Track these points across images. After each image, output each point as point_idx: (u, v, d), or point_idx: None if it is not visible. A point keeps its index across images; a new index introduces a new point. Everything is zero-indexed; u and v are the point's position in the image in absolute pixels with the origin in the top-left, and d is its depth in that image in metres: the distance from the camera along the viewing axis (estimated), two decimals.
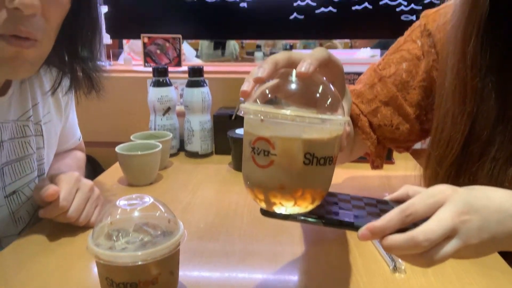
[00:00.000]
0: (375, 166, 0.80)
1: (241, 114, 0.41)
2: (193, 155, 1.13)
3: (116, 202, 0.52)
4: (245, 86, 0.42)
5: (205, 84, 1.12)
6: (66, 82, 0.75)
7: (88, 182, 0.72)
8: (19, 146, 0.75)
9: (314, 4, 1.65)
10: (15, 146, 0.74)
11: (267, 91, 0.43)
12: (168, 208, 0.54)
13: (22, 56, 0.59)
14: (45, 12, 0.59)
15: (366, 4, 1.61)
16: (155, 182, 0.95)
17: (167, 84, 1.12)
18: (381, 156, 0.80)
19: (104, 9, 1.59)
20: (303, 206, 0.43)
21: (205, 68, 1.16)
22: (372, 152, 0.77)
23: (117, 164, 0.98)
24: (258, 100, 0.43)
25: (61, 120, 0.87)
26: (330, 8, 1.64)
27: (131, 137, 1.02)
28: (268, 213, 0.44)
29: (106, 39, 1.60)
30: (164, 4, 1.70)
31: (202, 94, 1.10)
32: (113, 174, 0.99)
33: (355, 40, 2.38)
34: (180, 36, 1.50)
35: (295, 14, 1.66)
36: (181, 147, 1.17)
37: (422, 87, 0.73)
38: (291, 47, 3.22)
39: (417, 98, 0.73)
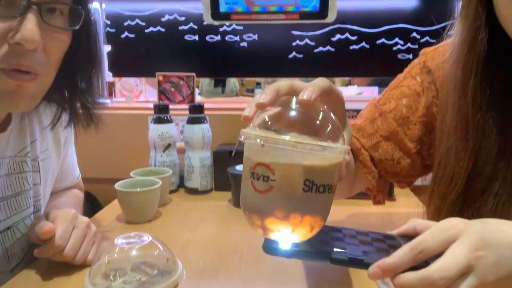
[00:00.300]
0: (377, 202, 0.79)
1: (241, 139, 0.41)
2: (193, 191, 1.13)
3: (114, 241, 0.52)
4: (247, 112, 0.43)
5: (205, 121, 1.13)
6: (65, 117, 0.76)
7: (84, 219, 0.71)
8: (15, 181, 0.74)
9: (312, 43, 1.69)
10: (11, 181, 0.73)
11: (268, 118, 0.44)
12: (167, 247, 0.54)
13: (23, 90, 0.61)
14: (46, 47, 0.61)
15: (363, 43, 1.66)
16: (154, 220, 0.93)
17: (168, 121, 1.13)
18: (382, 191, 0.79)
19: (107, 48, 1.63)
20: (302, 234, 0.42)
21: (206, 105, 1.17)
22: (374, 187, 0.77)
23: (115, 201, 0.97)
24: (258, 127, 0.43)
25: (59, 157, 0.87)
26: (329, 47, 1.68)
27: (131, 174, 1.02)
28: (270, 250, 0.43)
29: (108, 77, 1.63)
30: (165, 43, 1.75)
31: (202, 130, 1.11)
32: (111, 211, 0.98)
33: (352, 78, 2.43)
34: (194, 74, 1.53)
35: (294, 53, 1.70)
36: (181, 184, 1.16)
37: (422, 123, 0.73)
38: None
39: (418, 134, 0.74)
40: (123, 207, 0.92)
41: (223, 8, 1.41)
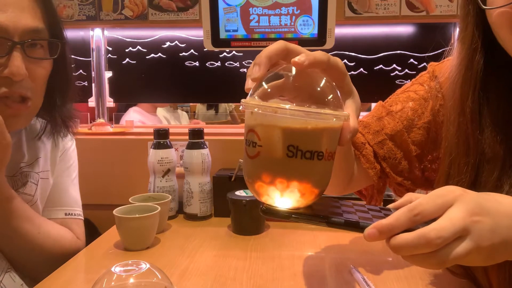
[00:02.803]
0: (373, 202, 0.79)
1: (241, 109, 0.43)
2: (192, 217, 1.11)
3: (112, 268, 0.51)
4: (248, 85, 0.44)
5: (205, 146, 1.13)
6: (48, 129, 0.87)
7: None
8: None
9: None
10: None
11: (268, 88, 0.44)
12: (165, 275, 0.53)
13: (19, 113, 0.75)
14: (31, 75, 0.74)
15: (361, 69, 1.68)
16: (152, 246, 0.92)
17: (167, 146, 1.13)
18: (381, 191, 0.79)
19: (108, 74, 1.65)
20: (293, 200, 0.42)
21: (205, 130, 1.17)
22: (374, 183, 0.77)
23: (114, 228, 0.96)
24: (260, 96, 0.44)
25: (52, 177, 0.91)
26: None
27: (130, 200, 1.01)
28: (268, 212, 0.43)
29: (109, 102, 1.65)
30: (166, 70, 1.77)
31: (202, 155, 1.10)
32: (109, 238, 0.97)
33: None
34: None
35: None
36: (180, 209, 1.15)
37: (426, 129, 0.75)
38: None
39: (420, 138, 0.75)
40: (121, 233, 0.91)
41: (223, 35, 1.44)
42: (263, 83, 0.44)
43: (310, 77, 0.45)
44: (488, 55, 0.61)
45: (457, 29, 0.67)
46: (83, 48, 1.72)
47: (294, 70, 0.44)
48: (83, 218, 0.98)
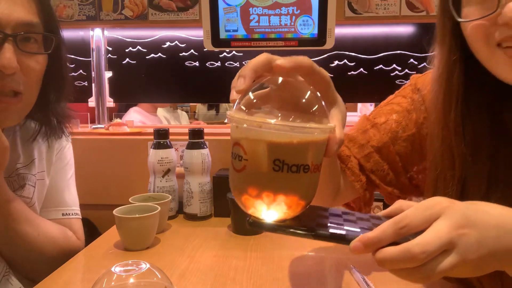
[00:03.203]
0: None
1: (226, 122, 0.43)
2: (192, 217, 1.11)
3: (112, 268, 0.51)
4: (233, 96, 0.43)
5: (205, 146, 1.13)
6: (43, 130, 0.85)
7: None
8: None
9: None
10: None
11: (255, 99, 0.44)
12: (165, 275, 0.53)
13: (10, 108, 0.72)
14: (24, 69, 0.72)
15: (361, 69, 1.68)
16: (152, 247, 0.92)
17: (167, 146, 1.13)
18: (368, 203, 0.79)
19: (108, 74, 1.65)
20: (279, 213, 0.42)
21: (205, 130, 1.17)
22: (361, 196, 0.77)
23: (114, 228, 0.96)
24: (246, 107, 0.43)
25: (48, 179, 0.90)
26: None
27: (130, 200, 1.01)
28: (254, 224, 0.43)
29: (109, 102, 1.65)
30: (166, 70, 1.77)
31: (202, 155, 1.10)
32: (109, 238, 0.97)
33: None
34: None
35: None
36: (180, 209, 1.15)
37: (410, 141, 0.75)
38: None
39: (405, 151, 0.75)
40: (121, 233, 0.91)
41: (223, 35, 1.44)
42: (249, 94, 0.44)
43: (295, 88, 0.45)
44: (468, 66, 0.61)
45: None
46: (83, 48, 1.72)
47: (279, 81, 0.44)
48: (81, 217, 0.97)
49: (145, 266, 0.52)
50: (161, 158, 1.11)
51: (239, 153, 0.41)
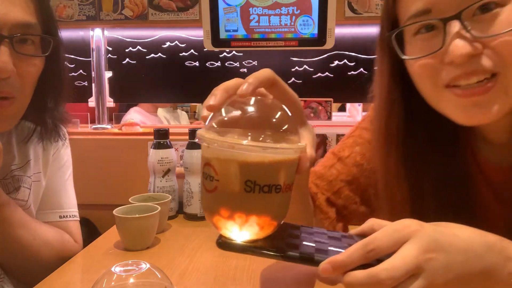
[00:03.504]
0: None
1: (197, 141, 0.43)
2: (192, 217, 1.11)
3: (112, 268, 0.51)
4: (204, 113, 0.43)
5: None
6: (37, 133, 0.82)
7: None
8: None
9: (311, 69, 1.72)
10: None
11: (225, 118, 0.44)
12: (165, 275, 0.53)
13: (3, 113, 0.69)
14: (20, 73, 0.68)
15: (361, 69, 1.68)
16: (152, 246, 0.92)
17: (167, 146, 1.13)
18: (345, 231, 0.77)
19: (108, 74, 1.65)
20: (252, 233, 0.42)
21: None
22: (335, 228, 0.74)
23: (114, 228, 0.96)
24: (218, 125, 0.43)
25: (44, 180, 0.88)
26: (327, 73, 1.71)
27: (130, 200, 1.01)
28: (224, 245, 0.43)
29: (109, 102, 1.65)
30: (166, 70, 1.77)
31: None
32: (109, 238, 0.97)
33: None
34: (331, 99, 1.54)
35: (293, 78, 1.72)
36: (180, 209, 1.15)
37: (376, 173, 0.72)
38: None
39: (373, 182, 0.72)
40: (121, 233, 0.91)
41: (223, 35, 1.44)
42: (221, 112, 0.44)
43: (267, 106, 0.45)
44: (408, 104, 0.60)
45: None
46: (83, 48, 1.72)
47: (252, 100, 0.44)
48: (79, 218, 0.95)
49: (145, 266, 0.52)
50: (161, 158, 1.11)
51: (210, 173, 0.41)
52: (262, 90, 0.47)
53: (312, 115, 1.55)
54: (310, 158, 0.45)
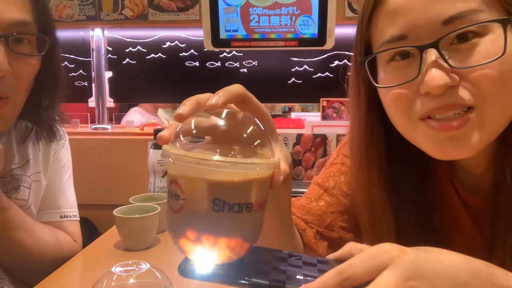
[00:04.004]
0: None
1: (162, 156, 0.41)
2: None
3: (112, 269, 0.51)
4: (164, 132, 0.41)
5: None
6: (33, 132, 0.81)
7: None
8: None
9: (311, 69, 1.72)
10: None
11: (193, 131, 0.41)
12: (165, 275, 0.53)
13: None
14: (16, 72, 0.67)
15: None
16: (152, 247, 0.92)
17: None
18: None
19: (108, 74, 1.65)
20: (222, 257, 0.38)
21: None
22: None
23: (114, 228, 0.96)
24: (184, 139, 0.40)
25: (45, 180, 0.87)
26: (327, 73, 1.71)
27: (130, 200, 1.01)
28: (185, 273, 0.39)
29: (109, 102, 1.65)
30: (166, 70, 1.77)
31: None
32: (109, 238, 0.97)
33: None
34: None
35: (293, 78, 1.72)
36: None
37: None
38: (290, 109, 3.31)
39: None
40: (121, 233, 0.91)
41: (223, 35, 1.44)
42: (190, 124, 0.41)
43: (238, 120, 0.42)
44: (387, 132, 0.57)
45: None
46: (83, 48, 1.72)
47: (223, 113, 0.41)
48: (79, 218, 0.95)
49: (145, 266, 0.52)
50: (161, 158, 1.11)
51: (176, 191, 0.37)
52: (232, 106, 0.44)
53: (334, 115, 1.54)
54: (284, 173, 0.43)
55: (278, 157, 0.42)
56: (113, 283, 0.50)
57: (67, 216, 0.91)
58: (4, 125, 0.72)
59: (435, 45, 0.47)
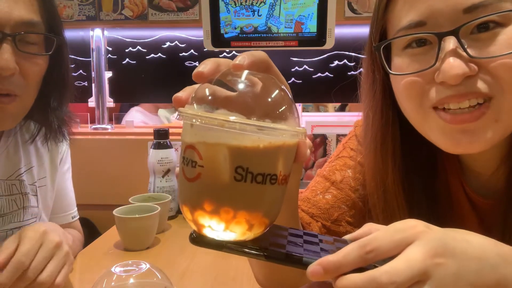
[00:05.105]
0: None
1: (177, 119, 0.36)
2: None
3: (112, 269, 0.51)
4: (181, 92, 0.38)
5: None
6: (42, 133, 0.81)
7: (54, 238, 0.66)
8: (5, 203, 0.77)
9: (311, 69, 1.72)
10: (1, 202, 0.76)
11: (210, 95, 0.37)
12: (165, 275, 0.53)
13: (4, 111, 0.68)
14: (23, 71, 0.68)
15: (361, 69, 1.68)
16: (152, 247, 0.92)
17: (167, 146, 1.13)
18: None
19: (108, 74, 1.65)
20: (239, 233, 0.35)
21: None
22: None
23: (114, 228, 0.96)
24: (200, 103, 0.36)
25: (53, 186, 0.89)
26: (327, 73, 1.71)
27: (130, 200, 1.01)
28: (197, 240, 0.36)
29: (109, 102, 1.65)
30: (166, 70, 1.77)
31: None
32: (109, 238, 0.97)
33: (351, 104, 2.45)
34: None
35: (293, 79, 1.72)
36: (180, 210, 1.15)
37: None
38: None
39: (371, 206, 0.67)
40: (121, 233, 0.91)
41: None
42: (208, 87, 0.37)
43: (262, 85, 0.38)
44: (402, 119, 0.56)
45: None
46: (83, 48, 1.72)
47: (245, 75, 0.37)
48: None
49: (145, 266, 0.52)
50: (161, 158, 1.11)
51: (193, 158, 0.34)
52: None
53: None
54: (309, 146, 0.41)
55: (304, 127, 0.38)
56: (113, 283, 0.50)
57: (75, 216, 0.95)
58: (11, 122, 0.72)
59: (455, 33, 0.46)
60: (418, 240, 0.35)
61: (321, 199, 0.67)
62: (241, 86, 0.37)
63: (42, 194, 0.84)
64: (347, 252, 0.34)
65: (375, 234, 0.35)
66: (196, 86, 0.38)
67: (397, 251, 0.34)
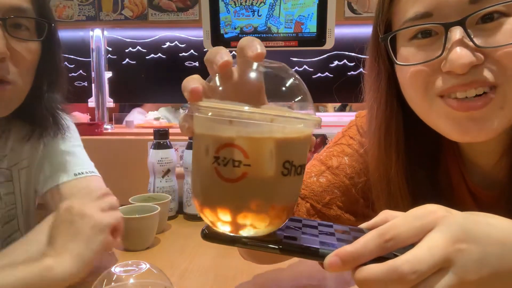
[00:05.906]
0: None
1: (198, 114, 0.33)
2: (192, 217, 1.11)
3: (112, 269, 0.51)
4: (194, 83, 0.34)
5: None
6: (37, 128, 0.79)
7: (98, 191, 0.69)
8: None
9: (311, 69, 1.72)
10: None
11: (221, 87, 0.35)
12: (165, 275, 0.53)
13: None
14: (15, 57, 0.67)
15: (361, 69, 1.68)
16: (152, 247, 0.92)
17: (167, 146, 1.13)
18: None
19: (108, 74, 1.65)
20: (275, 227, 0.35)
21: None
22: None
23: None
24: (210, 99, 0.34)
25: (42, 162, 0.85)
26: (327, 73, 1.71)
27: (130, 200, 1.01)
28: (210, 236, 0.35)
29: (109, 103, 1.65)
30: (165, 70, 1.77)
31: None
32: None
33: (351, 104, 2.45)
34: None
35: None
36: (180, 210, 1.15)
37: (368, 185, 0.67)
38: None
39: (365, 195, 0.68)
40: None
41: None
42: (216, 83, 0.35)
43: (280, 71, 0.37)
44: (406, 112, 0.57)
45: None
46: (83, 48, 1.72)
47: (255, 65, 0.36)
48: (99, 175, 0.95)
49: (145, 266, 0.52)
50: (161, 158, 1.11)
51: (235, 157, 0.32)
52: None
53: None
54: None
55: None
56: (113, 283, 0.50)
57: (82, 173, 0.88)
58: (6, 108, 0.71)
59: (461, 23, 0.47)
60: (438, 226, 0.34)
61: (315, 182, 0.67)
62: (266, 79, 0.36)
63: (23, 177, 0.82)
64: (365, 241, 0.33)
65: (393, 221, 0.34)
66: (196, 76, 0.36)
67: (417, 238, 0.33)
